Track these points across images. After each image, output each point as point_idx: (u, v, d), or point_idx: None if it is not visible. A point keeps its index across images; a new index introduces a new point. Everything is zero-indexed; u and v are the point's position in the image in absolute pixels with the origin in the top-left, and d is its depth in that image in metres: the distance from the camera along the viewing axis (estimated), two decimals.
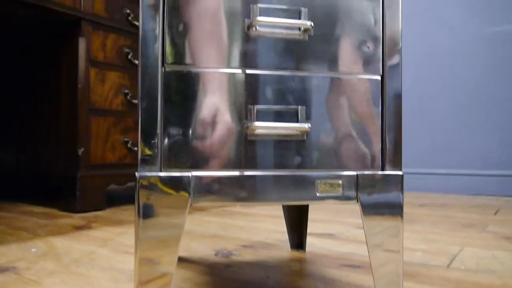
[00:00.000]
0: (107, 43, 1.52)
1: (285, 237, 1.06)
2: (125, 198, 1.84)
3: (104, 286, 0.68)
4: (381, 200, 0.53)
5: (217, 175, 0.49)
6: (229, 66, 0.50)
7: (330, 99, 0.52)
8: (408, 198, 1.94)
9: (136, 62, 1.60)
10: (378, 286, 0.54)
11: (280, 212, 1.48)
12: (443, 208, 1.61)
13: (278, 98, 0.51)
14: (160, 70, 0.48)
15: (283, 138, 0.51)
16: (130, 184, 1.59)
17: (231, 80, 0.50)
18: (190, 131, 0.49)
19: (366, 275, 0.74)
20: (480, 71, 2.12)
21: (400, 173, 0.53)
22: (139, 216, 0.47)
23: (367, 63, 0.54)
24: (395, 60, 0.54)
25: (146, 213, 0.47)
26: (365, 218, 0.53)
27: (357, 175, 0.52)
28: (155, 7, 0.48)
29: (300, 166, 0.51)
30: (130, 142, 1.57)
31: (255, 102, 0.50)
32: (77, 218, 1.32)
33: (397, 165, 0.53)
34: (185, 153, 0.48)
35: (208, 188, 0.49)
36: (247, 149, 0.50)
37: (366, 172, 0.53)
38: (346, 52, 0.53)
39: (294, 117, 0.51)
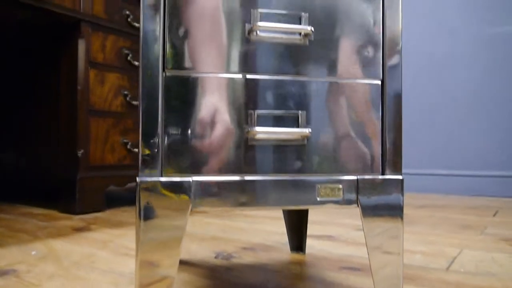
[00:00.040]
0: (106, 44, 1.52)
1: (285, 239, 1.06)
2: (125, 199, 1.84)
3: None
4: (381, 201, 0.53)
5: (218, 180, 0.49)
6: (229, 71, 0.50)
7: (330, 103, 0.52)
8: (408, 199, 1.94)
9: (136, 63, 1.60)
10: None
11: (280, 214, 1.48)
12: (442, 209, 1.61)
13: (279, 103, 0.51)
14: (160, 75, 0.48)
15: (284, 143, 0.51)
16: (129, 185, 1.59)
17: (232, 85, 0.50)
18: (191, 136, 0.49)
19: (366, 278, 0.74)
20: (480, 72, 2.13)
21: (400, 177, 0.54)
22: (140, 218, 0.47)
23: (367, 67, 0.54)
24: (395, 64, 0.54)
25: (147, 215, 0.47)
26: (364, 219, 0.53)
27: (357, 179, 0.53)
28: (156, 8, 0.48)
29: (301, 170, 0.51)
30: (129, 143, 1.57)
31: (255, 107, 0.50)
32: (76, 220, 1.32)
33: (397, 169, 0.54)
34: (186, 158, 0.48)
35: (209, 193, 0.49)
36: (247, 154, 0.50)
37: (366, 177, 0.53)
38: (346, 56, 0.53)
39: (294, 122, 0.51)
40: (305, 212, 0.89)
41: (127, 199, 1.83)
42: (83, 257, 0.87)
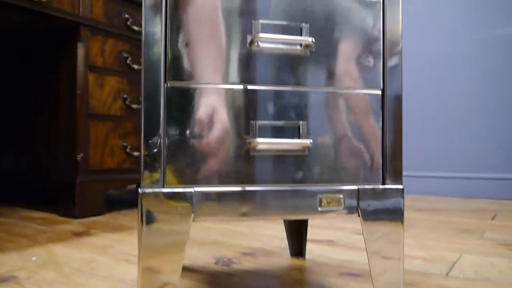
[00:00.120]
0: (105, 48, 1.52)
1: (285, 243, 1.06)
2: (124, 203, 1.84)
3: None
4: (381, 206, 0.53)
5: (219, 190, 0.49)
6: (231, 82, 0.50)
7: (331, 114, 0.53)
8: (406, 202, 1.95)
9: (135, 66, 1.60)
10: None
11: None
12: (441, 213, 1.62)
13: (280, 113, 0.51)
14: (162, 86, 0.48)
15: (285, 153, 0.51)
16: (129, 187, 1.59)
17: (233, 95, 0.50)
18: (193, 147, 0.49)
19: (366, 283, 0.75)
20: (480, 74, 2.13)
21: (400, 187, 0.54)
22: (142, 223, 0.47)
23: (368, 77, 0.54)
24: (395, 74, 0.55)
25: (149, 220, 0.47)
26: (364, 223, 0.53)
27: (358, 189, 0.53)
28: (157, 19, 0.48)
29: (302, 180, 0.52)
30: (129, 147, 1.57)
31: (257, 117, 0.50)
32: (76, 224, 1.32)
33: (398, 179, 0.54)
34: (188, 169, 0.49)
35: (211, 204, 0.49)
36: (249, 165, 0.50)
37: (367, 186, 0.53)
38: (347, 66, 0.53)
39: (295, 133, 0.52)
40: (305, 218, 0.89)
41: (127, 203, 1.83)
42: (83, 263, 0.87)
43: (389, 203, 0.54)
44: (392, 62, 0.54)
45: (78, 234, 1.17)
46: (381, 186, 0.53)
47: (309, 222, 1.36)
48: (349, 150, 0.53)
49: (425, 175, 2.24)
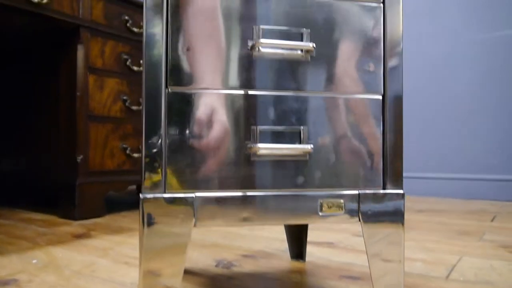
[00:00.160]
0: (105, 49, 1.52)
1: (285, 246, 1.06)
2: (124, 204, 1.84)
3: None
4: (381, 209, 0.54)
5: (220, 195, 0.49)
6: (232, 87, 0.50)
7: (332, 119, 0.53)
8: (406, 203, 1.95)
9: (135, 68, 1.60)
10: None
11: None
12: (440, 214, 1.62)
13: (281, 118, 0.51)
14: (163, 92, 0.48)
15: (286, 158, 0.51)
16: (129, 188, 1.59)
17: (234, 101, 0.50)
18: (194, 152, 0.49)
19: (367, 286, 0.75)
20: (480, 75, 2.13)
21: (401, 191, 0.54)
22: (143, 225, 0.47)
23: (368, 82, 0.54)
24: (396, 78, 0.55)
25: (150, 222, 0.47)
26: (364, 225, 0.53)
27: (358, 194, 0.53)
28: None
29: (303, 185, 0.52)
30: (128, 148, 1.57)
31: (258, 123, 0.51)
32: (76, 226, 1.32)
33: (398, 183, 0.54)
34: (189, 174, 0.49)
35: (212, 209, 0.49)
36: (250, 170, 0.50)
37: (368, 191, 0.53)
38: (347, 72, 0.53)
39: (296, 138, 0.52)
40: None
41: (127, 204, 1.83)
42: (83, 266, 0.87)
43: (389, 205, 0.54)
44: (392, 65, 0.55)
45: (78, 236, 1.17)
46: (381, 191, 0.54)
47: (309, 225, 1.36)
48: (349, 155, 0.53)
49: (425, 176, 2.24)
